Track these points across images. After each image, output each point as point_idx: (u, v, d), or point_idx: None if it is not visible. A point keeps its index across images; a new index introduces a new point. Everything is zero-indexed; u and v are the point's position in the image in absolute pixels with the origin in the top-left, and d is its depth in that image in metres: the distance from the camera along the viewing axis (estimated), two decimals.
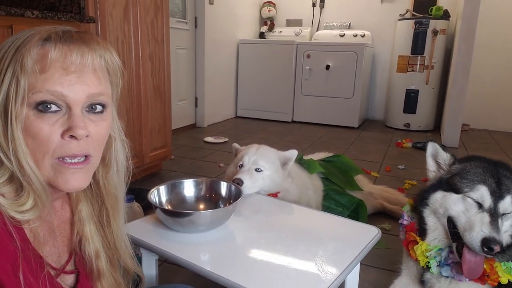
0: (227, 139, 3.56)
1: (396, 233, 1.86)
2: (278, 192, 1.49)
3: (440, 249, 1.12)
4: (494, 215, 0.98)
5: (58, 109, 0.58)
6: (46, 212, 0.63)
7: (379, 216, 2.01)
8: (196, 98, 4.15)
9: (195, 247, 1.01)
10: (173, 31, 3.60)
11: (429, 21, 4.17)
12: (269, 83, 4.68)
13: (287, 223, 1.21)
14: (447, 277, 1.10)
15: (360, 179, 2.09)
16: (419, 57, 4.29)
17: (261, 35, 5.08)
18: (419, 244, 1.17)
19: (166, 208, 1.13)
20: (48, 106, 0.57)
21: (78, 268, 0.72)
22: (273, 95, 4.69)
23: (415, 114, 4.44)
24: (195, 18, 3.92)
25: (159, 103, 2.34)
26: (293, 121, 4.71)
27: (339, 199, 1.80)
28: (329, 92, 4.49)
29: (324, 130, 4.29)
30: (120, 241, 0.78)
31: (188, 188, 1.20)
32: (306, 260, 0.97)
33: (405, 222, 1.30)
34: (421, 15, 4.27)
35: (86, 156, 0.62)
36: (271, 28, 5.09)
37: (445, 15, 4.26)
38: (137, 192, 2.11)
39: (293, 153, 1.54)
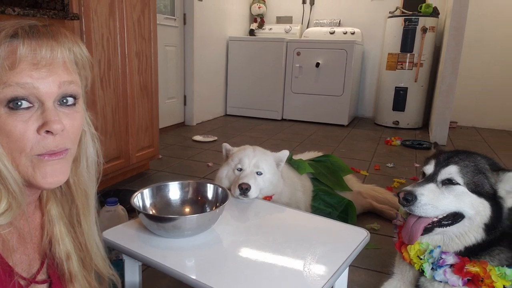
0: (216, 138, 3.53)
1: (385, 233, 1.86)
2: (273, 195, 1.46)
3: (431, 250, 1.11)
4: (428, 180, 1.08)
5: (30, 105, 0.57)
6: (18, 217, 0.61)
7: (368, 215, 2.01)
8: (185, 96, 4.10)
9: (180, 253, 0.98)
10: (162, 28, 3.55)
11: (418, 18, 4.19)
12: (259, 80, 4.65)
13: (276, 226, 1.18)
14: (441, 281, 1.09)
15: (349, 178, 2.08)
16: (408, 54, 4.30)
17: (251, 32, 5.04)
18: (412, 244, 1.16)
19: (150, 212, 1.09)
20: (19, 103, 0.56)
21: (50, 276, 0.69)
22: (263, 93, 4.66)
23: (404, 112, 4.45)
24: (184, 14, 3.86)
25: (146, 102, 2.30)
26: (283, 119, 4.69)
27: (329, 199, 1.78)
28: (319, 90, 4.48)
29: (314, 128, 4.29)
30: (91, 241, 0.75)
31: (174, 191, 1.17)
32: (294, 265, 0.95)
33: (398, 223, 1.29)
34: (411, 13, 4.28)
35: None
36: (261, 25, 5.05)
37: (434, 13, 4.27)
38: (123, 194, 2.08)
39: (285, 154, 1.52)
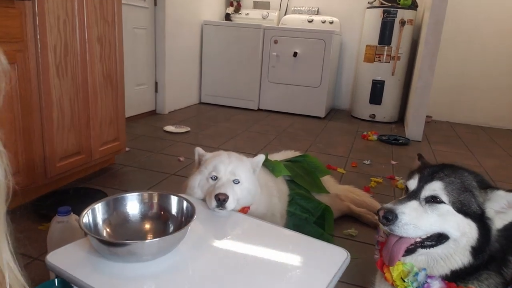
0: (189, 129, 3.35)
1: (364, 240, 1.79)
2: (250, 206, 1.34)
3: (416, 273, 1.03)
4: (410, 197, 0.99)
5: None
6: None
7: (346, 220, 1.93)
8: (156, 83, 3.89)
9: (136, 283, 0.85)
10: (130, 9, 3.31)
11: (397, 10, 4.11)
12: (235, 68, 4.47)
13: (249, 247, 1.06)
14: None
15: (327, 179, 1.99)
16: (386, 47, 4.24)
17: (227, 16, 4.83)
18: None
19: (104, 231, 0.95)
20: None
21: None
22: (239, 82, 4.50)
23: (380, 105, 4.42)
24: None
25: (110, 92, 2.10)
26: (259, 109, 4.56)
27: (305, 204, 1.68)
28: (297, 80, 4.37)
29: (290, 120, 4.18)
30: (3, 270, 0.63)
31: (132, 204, 1.03)
32: None
33: (380, 239, 1.20)
34: (390, 4, 4.19)
35: None
36: (237, 10, 4.85)
37: (413, 5, 4.21)
38: (84, 193, 1.91)
39: (261, 158, 1.40)
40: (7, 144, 1.53)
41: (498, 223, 0.96)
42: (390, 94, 4.39)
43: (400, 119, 4.59)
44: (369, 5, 4.39)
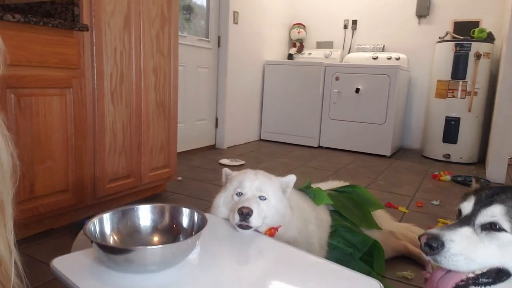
0: (243, 162, 3.35)
1: (421, 284, 1.53)
2: (279, 227, 1.23)
3: None
4: (463, 223, 0.82)
5: None
6: None
7: (401, 261, 1.68)
8: (216, 119, 4.01)
9: None
10: (195, 50, 3.53)
11: (471, 43, 3.82)
12: (296, 106, 4.46)
13: (267, 268, 0.95)
14: None
15: (380, 214, 1.78)
16: (460, 82, 3.91)
17: (289, 56, 4.92)
18: None
19: (110, 240, 0.91)
20: None
21: None
22: (299, 119, 4.46)
23: (456, 144, 4.01)
24: (219, 37, 3.83)
25: (162, 120, 2.19)
26: (319, 147, 4.43)
27: (350, 237, 1.50)
28: (359, 117, 4.19)
29: (352, 157, 3.97)
30: (6, 252, 0.61)
31: (144, 216, 0.99)
32: None
33: (427, 276, 1.00)
34: (462, 37, 3.92)
35: None
36: (300, 50, 4.92)
37: (489, 38, 3.88)
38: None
39: (291, 178, 1.30)
40: (58, 163, 1.63)
41: None
42: (467, 133, 3.98)
43: (481, 160, 4.11)
44: (440, 39, 4.15)
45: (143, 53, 1.98)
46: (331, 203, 1.56)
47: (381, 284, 0.88)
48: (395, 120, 4.08)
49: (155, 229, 0.98)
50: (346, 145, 4.28)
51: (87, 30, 1.67)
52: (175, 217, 0.99)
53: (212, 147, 4.03)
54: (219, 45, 3.85)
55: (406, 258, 1.70)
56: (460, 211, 0.87)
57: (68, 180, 1.71)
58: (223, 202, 1.25)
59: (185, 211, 0.98)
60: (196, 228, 0.94)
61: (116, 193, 1.98)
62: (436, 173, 3.36)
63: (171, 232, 0.97)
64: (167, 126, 2.23)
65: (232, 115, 4.09)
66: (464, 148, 4.00)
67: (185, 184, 2.69)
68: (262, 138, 4.72)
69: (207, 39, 3.73)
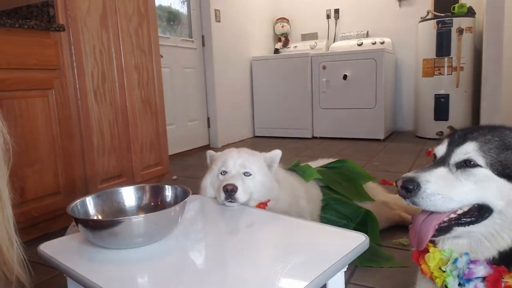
0: None
1: None
2: (268, 201, 1.24)
3: (456, 259, 0.82)
4: (437, 164, 0.82)
5: None
6: None
7: (397, 229, 1.69)
8: (208, 118, 4.01)
9: (123, 267, 0.78)
10: (179, 51, 3.54)
11: (452, 19, 3.85)
12: (286, 99, 4.47)
13: (249, 233, 0.96)
14: None
15: (372, 187, 1.78)
16: (445, 58, 3.94)
17: (276, 51, 4.94)
18: (430, 252, 0.87)
19: (90, 217, 0.92)
20: None
21: None
22: (291, 111, 4.47)
23: (447, 121, 4.02)
24: (202, 36, 3.84)
25: (150, 117, 2.19)
26: (313, 137, 4.44)
27: (342, 209, 1.51)
28: (350, 103, 4.21)
29: (346, 144, 3.98)
30: (4, 239, 0.60)
31: (128, 197, 1.00)
32: (255, 278, 0.72)
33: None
34: (443, 14, 3.95)
35: None
36: (285, 44, 4.94)
37: (470, 13, 3.91)
38: None
39: (276, 153, 1.32)
40: (47, 165, 1.62)
41: None
42: (458, 108, 3.99)
43: None
44: (422, 19, 4.18)
45: (123, 50, 1.99)
46: (320, 177, 1.56)
47: (366, 236, 0.88)
48: (385, 103, 4.10)
49: (140, 208, 0.99)
50: (339, 132, 4.29)
51: (64, 30, 1.67)
52: (159, 194, 1.00)
53: (207, 147, 4.04)
54: (203, 45, 3.87)
55: (401, 227, 1.70)
56: (435, 156, 0.88)
57: (59, 182, 1.71)
58: (209, 183, 1.26)
59: (168, 188, 1.00)
60: (180, 201, 0.94)
61: None
62: (430, 149, 3.37)
63: (157, 210, 0.98)
64: (155, 123, 2.24)
65: (224, 113, 4.10)
66: (456, 123, 4.01)
67: (181, 182, 2.69)
68: (256, 134, 4.72)
69: (191, 39, 3.74)
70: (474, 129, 0.86)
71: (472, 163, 0.78)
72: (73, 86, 1.75)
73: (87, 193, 1.86)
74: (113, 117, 1.96)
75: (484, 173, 0.77)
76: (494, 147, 0.78)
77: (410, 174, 0.81)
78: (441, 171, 0.81)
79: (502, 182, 0.76)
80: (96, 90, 1.86)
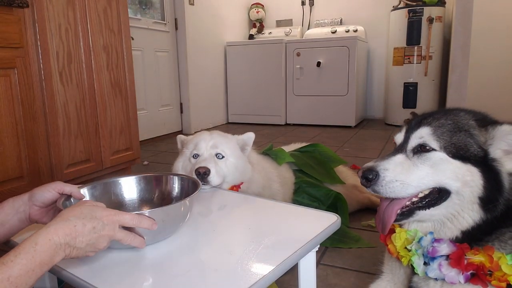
0: None
1: None
2: (241, 184, 1.24)
3: (420, 238, 0.85)
4: (396, 151, 0.85)
5: None
6: None
7: (366, 212, 1.74)
8: (181, 104, 3.95)
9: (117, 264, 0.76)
10: (151, 33, 3.44)
11: (423, 8, 3.93)
12: (260, 85, 4.46)
13: (221, 215, 0.95)
14: (437, 279, 0.83)
15: (342, 170, 1.82)
16: (415, 47, 4.03)
17: (250, 37, 4.90)
18: (396, 232, 0.90)
19: None
20: None
21: None
22: (264, 98, 4.46)
23: (415, 108, 4.14)
24: (175, 19, 3.74)
25: (119, 101, 2.13)
26: (287, 124, 4.46)
27: (314, 192, 1.53)
28: (323, 90, 4.25)
29: (319, 131, 4.03)
30: None
31: (129, 188, 0.92)
32: (227, 260, 0.72)
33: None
34: (415, 3, 4.02)
35: None
36: (260, 30, 4.90)
37: (440, 2, 4.01)
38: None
39: (249, 136, 1.31)
40: (9, 148, 1.55)
41: (508, 164, 0.77)
42: (425, 96, 4.12)
43: None
44: (394, 8, 4.25)
45: (90, 29, 1.91)
46: (293, 160, 1.57)
47: (338, 216, 0.90)
48: (356, 90, 4.16)
49: (143, 201, 0.92)
50: (312, 119, 4.34)
51: (27, 6, 1.58)
52: (165, 186, 0.93)
53: (179, 133, 3.97)
54: (176, 28, 3.77)
55: (370, 210, 1.75)
56: (396, 143, 0.90)
57: (22, 166, 1.63)
58: (181, 167, 1.25)
59: (174, 179, 0.93)
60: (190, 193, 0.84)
61: (76, 178, 1.92)
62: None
63: (163, 204, 0.87)
64: (125, 107, 2.18)
65: (197, 99, 4.04)
66: (423, 111, 4.13)
67: (152, 168, 2.64)
68: (230, 121, 4.70)
69: (163, 22, 3.64)
70: (429, 114, 0.88)
71: (427, 147, 0.81)
72: (37, 66, 1.67)
73: (52, 178, 1.80)
74: (80, 99, 1.89)
75: (439, 156, 0.79)
76: (447, 130, 0.81)
77: (369, 164, 0.83)
78: (399, 158, 0.83)
79: (456, 164, 0.78)
80: (62, 71, 1.78)
